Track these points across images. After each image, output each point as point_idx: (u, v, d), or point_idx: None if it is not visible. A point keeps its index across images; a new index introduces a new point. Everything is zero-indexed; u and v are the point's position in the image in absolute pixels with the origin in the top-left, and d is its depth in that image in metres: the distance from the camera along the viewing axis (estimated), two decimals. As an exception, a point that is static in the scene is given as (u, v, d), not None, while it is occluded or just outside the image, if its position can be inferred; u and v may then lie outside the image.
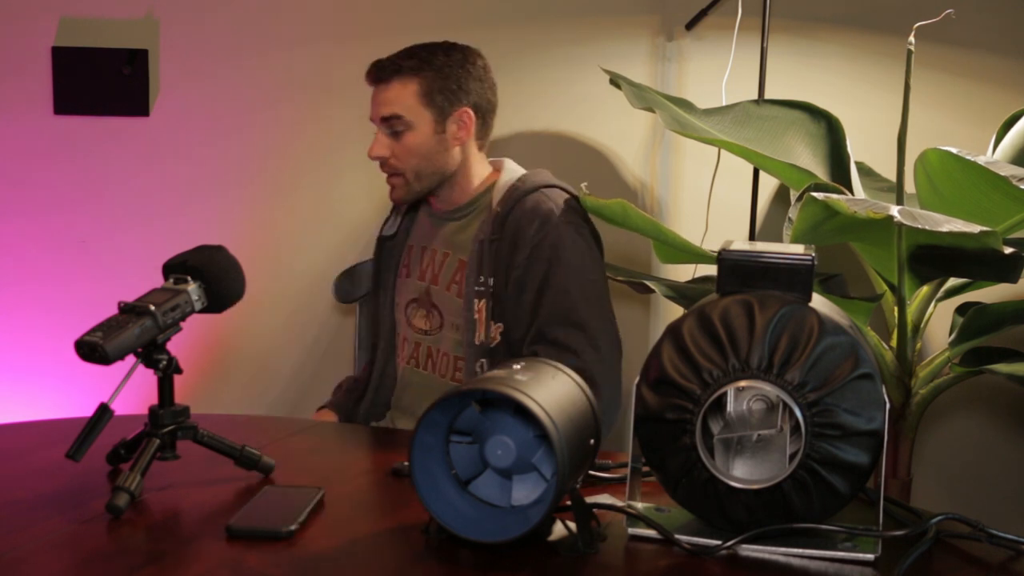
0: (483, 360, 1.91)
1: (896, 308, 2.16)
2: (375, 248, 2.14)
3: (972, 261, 1.95)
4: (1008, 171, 1.90)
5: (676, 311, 2.57)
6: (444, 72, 1.91)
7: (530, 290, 1.87)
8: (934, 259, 2.01)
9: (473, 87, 1.94)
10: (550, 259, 1.86)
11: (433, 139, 1.92)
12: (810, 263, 1.23)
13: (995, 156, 2.25)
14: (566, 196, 1.97)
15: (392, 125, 1.91)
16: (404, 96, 1.90)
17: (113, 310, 1.36)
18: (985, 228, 1.78)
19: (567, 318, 1.84)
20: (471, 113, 1.94)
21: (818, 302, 1.24)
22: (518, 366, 1.24)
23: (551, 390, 1.20)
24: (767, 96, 2.54)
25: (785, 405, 1.19)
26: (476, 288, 1.91)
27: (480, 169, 2.00)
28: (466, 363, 1.94)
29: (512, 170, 2.01)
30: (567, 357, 1.80)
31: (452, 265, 1.97)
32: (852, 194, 2.15)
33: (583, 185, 2.06)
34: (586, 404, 1.25)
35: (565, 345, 1.82)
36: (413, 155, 1.92)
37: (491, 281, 1.90)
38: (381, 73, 1.92)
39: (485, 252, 1.90)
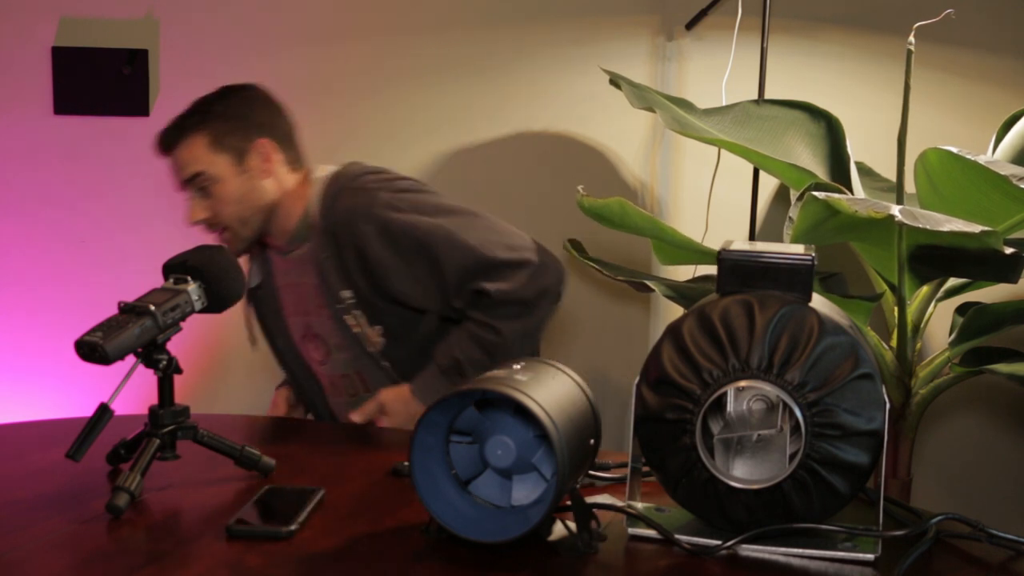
0: (385, 364, 1.91)
1: (896, 308, 2.16)
2: (247, 302, 2.09)
3: (972, 261, 1.95)
4: (1008, 170, 1.90)
5: (676, 311, 2.57)
6: (226, 114, 1.89)
7: (414, 265, 1.84)
8: (934, 259, 2.01)
9: (259, 117, 1.92)
10: (407, 232, 1.83)
11: (241, 181, 1.89)
12: (810, 263, 1.23)
13: (995, 156, 2.25)
14: (371, 176, 1.91)
15: (198, 184, 1.88)
16: (197, 152, 1.87)
17: (113, 310, 1.36)
18: (986, 228, 1.78)
19: (473, 261, 1.82)
20: (268, 142, 1.90)
21: (818, 302, 1.24)
22: (518, 366, 1.24)
23: (551, 390, 1.20)
24: (767, 96, 2.54)
25: (785, 405, 1.18)
26: (338, 306, 1.89)
27: (298, 189, 1.95)
28: (367, 374, 1.94)
29: (320, 180, 1.94)
30: (501, 286, 1.80)
31: (312, 292, 1.95)
32: (852, 194, 2.15)
33: (579, 188, 2.06)
34: (586, 404, 1.25)
35: (493, 282, 1.81)
36: (229, 204, 1.89)
37: (349, 293, 1.88)
38: (168, 141, 1.90)
39: (328, 268, 1.88)
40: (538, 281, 1.83)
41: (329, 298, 1.90)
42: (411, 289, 1.87)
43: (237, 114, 1.90)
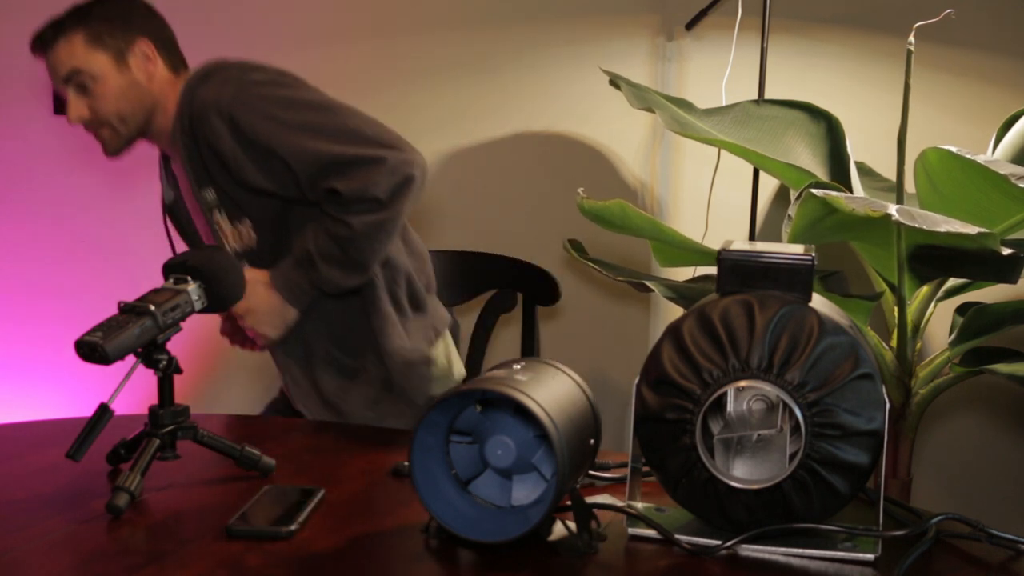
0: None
1: (896, 308, 2.16)
2: (165, 222, 2.06)
3: (971, 261, 1.95)
4: (1008, 170, 1.90)
5: (676, 311, 2.57)
6: (105, 15, 1.88)
7: (266, 160, 1.81)
8: (933, 259, 2.01)
9: (140, 21, 1.91)
10: (255, 130, 1.80)
11: (122, 79, 1.88)
12: (810, 263, 1.23)
13: (995, 156, 2.25)
14: (226, 70, 1.88)
15: (76, 81, 1.87)
16: (75, 50, 1.86)
17: (113, 310, 1.36)
18: (983, 229, 1.78)
19: (322, 161, 1.79)
20: (148, 43, 1.90)
21: (818, 302, 1.25)
22: (518, 366, 1.24)
23: (551, 390, 1.20)
24: (767, 96, 2.54)
25: (785, 405, 1.19)
26: (204, 205, 1.89)
27: (174, 89, 1.93)
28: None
29: (185, 76, 1.93)
30: (352, 184, 1.78)
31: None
32: (852, 194, 2.15)
33: (580, 190, 2.06)
34: (586, 404, 1.25)
35: (343, 180, 1.78)
36: (109, 100, 1.88)
37: (212, 193, 1.88)
38: (44, 40, 1.89)
39: (189, 167, 1.87)
40: (392, 178, 1.79)
41: (199, 199, 1.89)
42: (267, 183, 1.85)
43: (116, 15, 1.89)
